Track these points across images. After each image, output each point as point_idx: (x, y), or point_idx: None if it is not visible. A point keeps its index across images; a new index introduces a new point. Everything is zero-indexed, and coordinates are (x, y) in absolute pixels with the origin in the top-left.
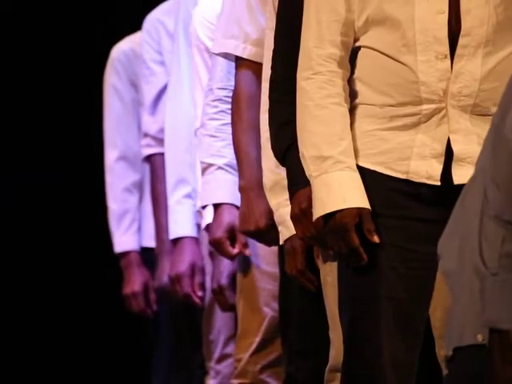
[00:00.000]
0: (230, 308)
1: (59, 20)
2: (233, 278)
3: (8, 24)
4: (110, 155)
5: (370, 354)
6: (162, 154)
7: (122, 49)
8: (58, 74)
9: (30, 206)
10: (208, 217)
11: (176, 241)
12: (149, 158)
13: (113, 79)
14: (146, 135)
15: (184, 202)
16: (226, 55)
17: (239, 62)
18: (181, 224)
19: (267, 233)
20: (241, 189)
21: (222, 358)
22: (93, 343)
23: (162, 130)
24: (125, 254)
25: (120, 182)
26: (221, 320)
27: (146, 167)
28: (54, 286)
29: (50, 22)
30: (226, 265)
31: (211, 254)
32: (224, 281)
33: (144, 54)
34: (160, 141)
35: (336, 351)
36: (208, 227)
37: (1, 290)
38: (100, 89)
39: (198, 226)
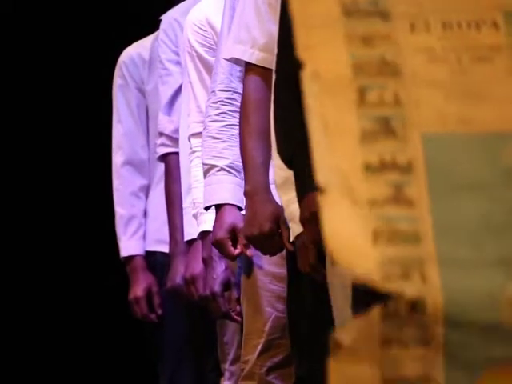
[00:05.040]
0: (223, 315)
1: (69, 21)
2: (226, 286)
3: (18, 27)
4: (117, 159)
5: None
6: (177, 154)
7: (129, 54)
8: (67, 75)
9: (34, 209)
10: (203, 224)
11: (191, 242)
12: (163, 158)
13: (119, 83)
14: (161, 134)
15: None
16: (236, 61)
17: (247, 67)
18: (195, 225)
19: (271, 237)
20: (246, 194)
21: (237, 359)
22: (98, 346)
23: (177, 130)
24: (130, 258)
25: (127, 187)
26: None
27: (152, 172)
28: (60, 290)
29: (58, 23)
30: (219, 272)
31: (204, 261)
32: (217, 288)
33: (160, 54)
34: (175, 140)
35: None
36: (202, 234)
37: (6, 295)
38: (110, 91)
39: None
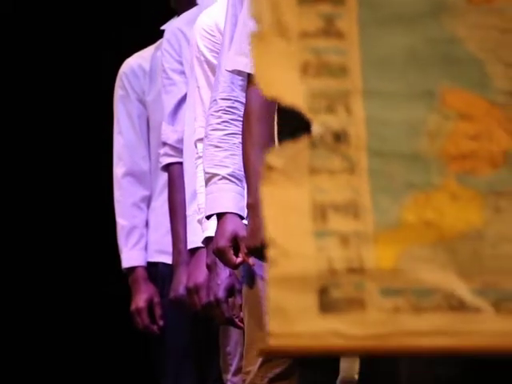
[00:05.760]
0: (227, 321)
1: (69, 28)
2: (230, 292)
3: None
4: (118, 170)
5: (386, 366)
6: (181, 164)
7: (129, 64)
8: (68, 83)
9: (35, 220)
10: (208, 230)
11: (194, 251)
12: (166, 168)
13: (120, 95)
14: (164, 144)
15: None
16: (239, 72)
17: (250, 78)
18: (199, 234)
19: None
20: (249, 205)
21: (239, 370)
22: (99, 357)
23: (180, 140)
24: (132, 269)
25: (128, 198)
26: (238, 332)
27: (154, 183)
28: (62, 301)
29: (58, 26)
30: (223, 278)
31: (209, 267)
32: (221, 294)
33: (164, 64)
34: (178, 150)
35: (347, 363)
36: (206, 240)
37: (9, 302)
38: (110, 102)
39: None
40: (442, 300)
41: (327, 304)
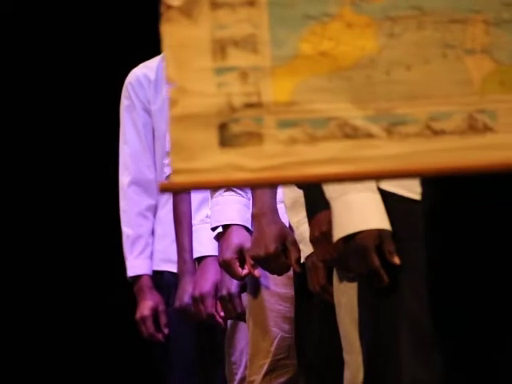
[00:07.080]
0: (237, 316)
1: (72, 31)
2: (243, 287)
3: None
4: (123, 180)
5: (390, 375)
6: None
7: (135, 74)
8: (73, 90)
9: (42, 229)
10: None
11: (200, 260)
12: None
13: (125, 105)
14: (169, 154)
15: (208, 221)
16: None
17: None
18: (205, 243)
19: (277, 258)
20: (253, 216)
21: (245, 379)
22: (104, 366)
23: None
24: (137, 278)
25: (134, 207)
26: (243, 341)
27: (159, 192)
28: (68, 309)
29: (59, 29)
30: None
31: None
32: (235, 288)
33: None
34: None
35: (351, 372)
36: (218, 236)
37: (13, 309)
38: (117, 112)
39: None
40: (336, 129)
41: (227, 139)
